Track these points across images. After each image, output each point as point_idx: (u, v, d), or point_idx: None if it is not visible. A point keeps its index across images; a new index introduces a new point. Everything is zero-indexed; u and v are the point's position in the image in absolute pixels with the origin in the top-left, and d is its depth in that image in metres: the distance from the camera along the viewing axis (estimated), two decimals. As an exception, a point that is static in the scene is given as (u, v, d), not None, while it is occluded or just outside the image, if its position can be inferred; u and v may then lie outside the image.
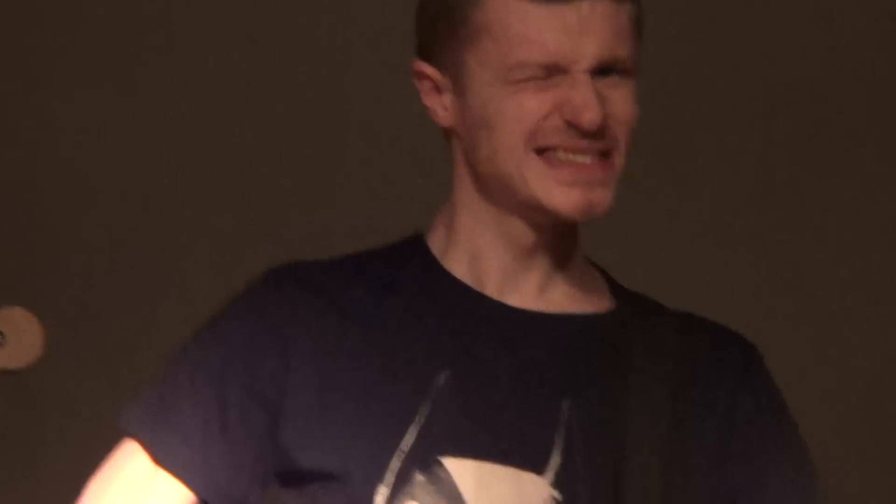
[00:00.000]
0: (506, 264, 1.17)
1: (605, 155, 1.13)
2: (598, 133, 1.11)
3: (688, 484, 1.16)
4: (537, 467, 1.12)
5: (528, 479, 1.12)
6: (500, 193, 1.16)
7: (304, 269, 1.21)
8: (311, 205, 2.29)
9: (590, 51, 1.12)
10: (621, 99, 1.13)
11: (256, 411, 1.15)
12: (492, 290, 1.17)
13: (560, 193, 1.12)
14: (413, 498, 1.11)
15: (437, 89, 1.17)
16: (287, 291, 1.19)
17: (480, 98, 1.14)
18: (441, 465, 1.12)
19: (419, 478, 1.11)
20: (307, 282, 1.20)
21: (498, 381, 1.15)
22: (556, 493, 1.12)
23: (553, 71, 1.12)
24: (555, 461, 1.13)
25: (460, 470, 1.12)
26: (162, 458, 1.14)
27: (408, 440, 1.12)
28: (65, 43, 2.55)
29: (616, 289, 1.24)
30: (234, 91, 2.38)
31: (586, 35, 1.11)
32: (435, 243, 1.21)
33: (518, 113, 1.12)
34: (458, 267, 1.18)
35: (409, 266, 1.21)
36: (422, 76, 1.18)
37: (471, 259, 1.18)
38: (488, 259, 1.18)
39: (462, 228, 1.19)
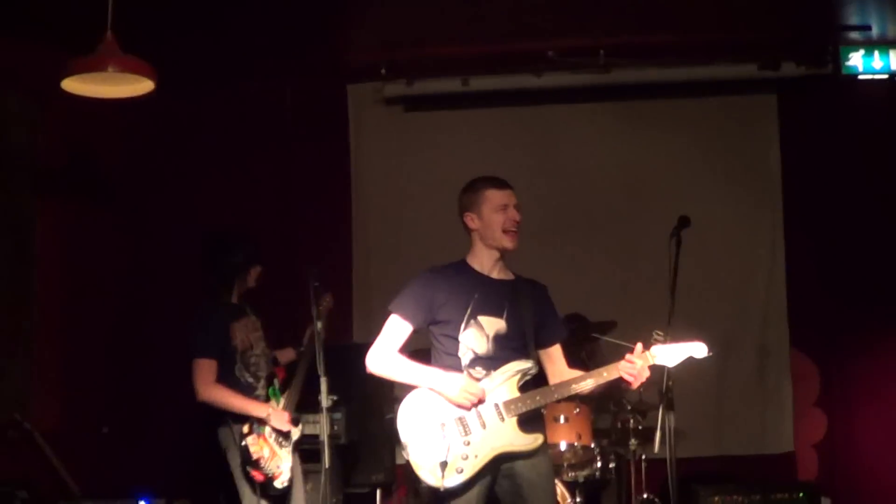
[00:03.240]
0: (490, 264, 4.34)
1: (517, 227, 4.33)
2: (517, 224, 4.30)
3: (539, 322, 4.34)
4: (501, 316, 4.27)
5: (500, 321, 4.27)
6: (490, 244, 4.29)
7: (437, 267, 4.34)
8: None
9: (513, 201, 4.31)
10: (520, 215, 4.32)
11: (429, 305, 4.26)
12: (487, 272, 4.33)
13: (510, 242, 4.28)
14: (471, 327, 4.23)
15: (472, 219, 4.32)
16: (433, 274, 4.31)
17: (487, 218, 4.29)
18: (478, 319, 4.26)
19: (472, 322, 4.25)
20: (438, 272, 4.32)
21: (491, 296, 4.29)
22: (505, 325, 4.26)
23: (505, 208, 4.28)
24: (505, 315, 4.27)
25: (483, 320, 4.26)
26: (404, 317, 4.26)
27: (469, 311, 4.24)
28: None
29: (513, 271, 4.42)
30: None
31: (512, 198, 4.31)
32: (469, 259, 4.35)
33: (498, 224, 4.28)
34: (477, 266, 4.34)
35: (463, 267, 4.35)
36: (467, 217, 4.32)
37: (479, 263, 4.34)
38: (485, 263, 4.33)
39: (476, 255, 4.34)
